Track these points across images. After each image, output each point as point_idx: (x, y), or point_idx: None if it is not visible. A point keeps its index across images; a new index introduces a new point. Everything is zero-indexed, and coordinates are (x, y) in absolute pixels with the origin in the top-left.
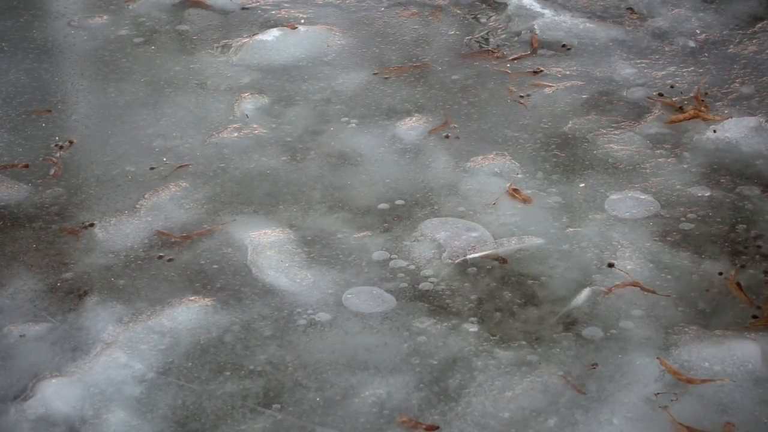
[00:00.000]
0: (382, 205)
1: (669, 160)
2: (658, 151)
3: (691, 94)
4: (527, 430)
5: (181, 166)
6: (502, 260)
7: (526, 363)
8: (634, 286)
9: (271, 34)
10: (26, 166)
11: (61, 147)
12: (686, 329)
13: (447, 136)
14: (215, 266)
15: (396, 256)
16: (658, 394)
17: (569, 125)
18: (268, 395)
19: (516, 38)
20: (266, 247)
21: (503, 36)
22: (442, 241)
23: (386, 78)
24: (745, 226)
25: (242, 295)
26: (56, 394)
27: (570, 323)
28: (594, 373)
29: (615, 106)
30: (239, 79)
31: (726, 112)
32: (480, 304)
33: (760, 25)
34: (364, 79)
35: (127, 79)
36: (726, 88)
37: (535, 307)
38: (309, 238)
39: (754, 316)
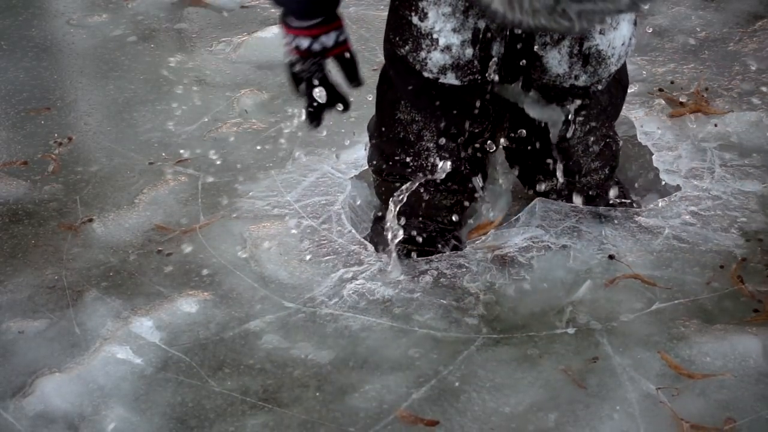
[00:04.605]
0: None
1: (670, 154)
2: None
3: (692, 90)
4: (528, 425)
5: (179, 161)
6: (502, 253)
7: (526, 357)
8: (635, 278)
9: (271, 32)
10: (25, 163)
11: (60, 144)
12: (687, 323)
13: None
14: (214, 260)
15: None
16: (659, 388)
17: None
18: (267, 391)
19: None
20: (265, 240)
21: None
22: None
23: None
24: (745, 219)
25: (241, 289)
26: (55, 391)
27: (570, 317)
28: (594, 368)
29: None
30: (238, 76)
31: (726, 107)
32: (480, 298)
33: (760, 23)
34: (363, 75)
35: (126, 77)
36: (726, 86)
37: (535, 300)
38: (309, 230)
39: (755, 310)
